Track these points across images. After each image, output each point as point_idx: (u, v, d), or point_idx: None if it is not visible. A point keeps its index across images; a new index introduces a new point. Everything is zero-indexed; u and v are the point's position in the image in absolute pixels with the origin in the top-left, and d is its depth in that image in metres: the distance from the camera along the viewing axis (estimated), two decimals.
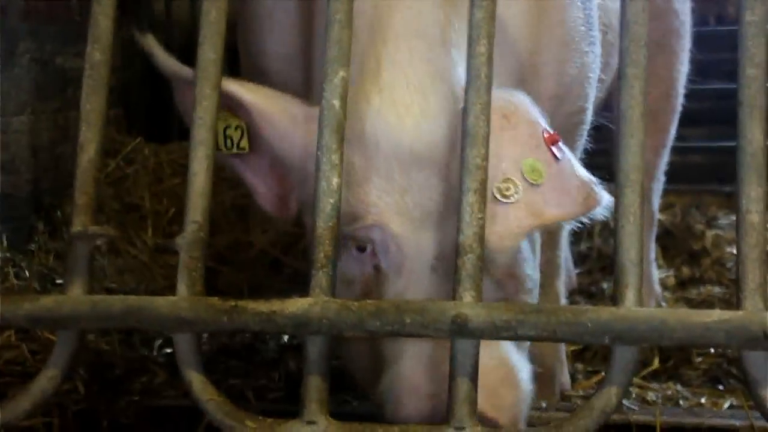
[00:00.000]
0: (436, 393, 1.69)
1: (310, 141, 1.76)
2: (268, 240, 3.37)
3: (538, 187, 1.73)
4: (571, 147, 2.32)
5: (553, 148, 1.76)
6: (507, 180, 1.73)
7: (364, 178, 1.78)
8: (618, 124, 1.61)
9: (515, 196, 1.72)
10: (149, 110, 4.03)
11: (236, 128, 1.84)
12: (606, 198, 1.74)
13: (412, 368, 1.74)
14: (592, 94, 2.24)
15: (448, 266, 1.72)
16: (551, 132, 1.78)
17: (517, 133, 1.76)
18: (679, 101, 3.25)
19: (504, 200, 1.72)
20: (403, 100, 1.79)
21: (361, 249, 1.79)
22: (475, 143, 1.60)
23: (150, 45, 1.88)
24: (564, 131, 2.02)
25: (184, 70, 1.85)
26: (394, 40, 1.83)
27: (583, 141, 2.34)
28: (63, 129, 3.39)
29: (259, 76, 2.07)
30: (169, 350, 2.56)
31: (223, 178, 3.52)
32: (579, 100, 2.22)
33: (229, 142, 1.85)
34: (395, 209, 1.76)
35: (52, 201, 3.32)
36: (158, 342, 2.65)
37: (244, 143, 1.85)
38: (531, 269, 1.85)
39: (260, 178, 1.95)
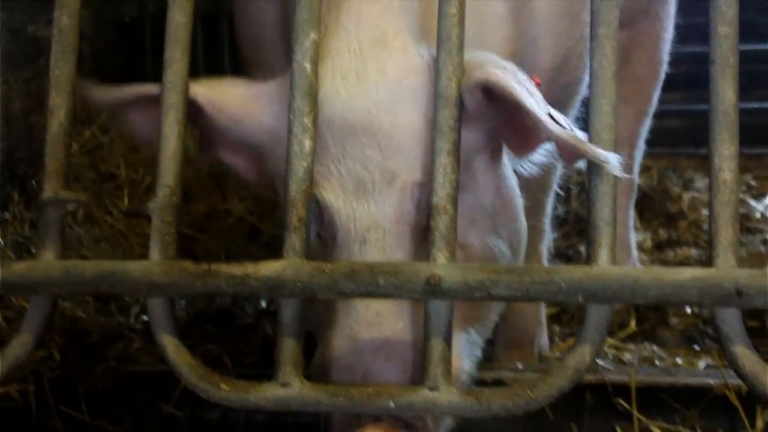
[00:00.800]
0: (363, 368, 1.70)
1: (263, 117, 1.78)
2: (246, 207, 3.37)
3: None
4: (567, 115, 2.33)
5: None
6: None
7: None
8: (590, 84, 1.60)
9: None
10: (123, 79, 3.98)
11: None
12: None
13: (339, 346, 1.74)
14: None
15: (382, 238, 1.73)
16: None
17: None
18: (663, 68, 3.25)
19: None
20: (342, 67, 1.77)
21: None
22: (447, 105, 1.60)
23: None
24: (559, 102, 2.02)
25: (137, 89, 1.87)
26: (345, 3, 1.81)
27: (576, 110, 2.35)
28: (36, 98, 3.36)
29: (256, 68, 2.08)
30: (145, 317, 2.56)
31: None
32: (576, 72, 2.22)
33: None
34: (328, 179, 1.76)
35: (26, 170, 3.29)
36: (135, 309, 2.65)
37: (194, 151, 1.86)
38: (493, 239, 1.85)
39: (237, 156, 1.95)
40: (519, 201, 1.93)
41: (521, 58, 1.99)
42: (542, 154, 1.82)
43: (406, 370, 1.69)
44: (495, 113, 1.75)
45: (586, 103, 1.63)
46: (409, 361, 1.69)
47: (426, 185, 1.72)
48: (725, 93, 1.56)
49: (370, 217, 1.74)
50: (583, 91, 2.30)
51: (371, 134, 1.75)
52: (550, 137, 1.63)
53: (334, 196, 1.75)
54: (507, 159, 1.90)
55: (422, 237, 1.73)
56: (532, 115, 1.62)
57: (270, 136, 1.82)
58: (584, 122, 1.66)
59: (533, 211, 2.46)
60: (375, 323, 1.70)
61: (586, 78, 2.25)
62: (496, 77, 1.67)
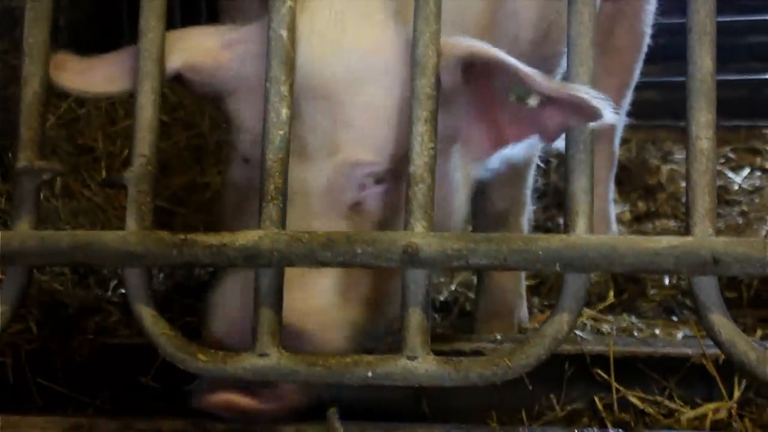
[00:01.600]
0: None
1: (234, 66, 1.78)
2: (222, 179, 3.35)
3: None
4: None
5: None
6: None
7: (257, 93, 1.73)
8: (568, 53, 1.60)
9: None
10: (99, 51, 3.96)
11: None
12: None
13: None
14: None
15: (306, 205, 1.72)
16: None
17: None
18: (645, 40, 3.24)
19: None
20: (320, 29, 1.76)
21: (245, 160, 1.79)
22: (425, 73, 1.59)
23: None
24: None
25: None
26: None
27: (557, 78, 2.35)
28: (12, 70, 3.32)
29: (230, 13, 2.06)
30: (123, 290, 2.54)
31: (177, 118, 3.49)
32: (557, 45, 2.22)
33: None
34: None
35: (3, 143, 3.27)
36: (113, 283, 2.63)
37: None
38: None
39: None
40: (461, 199, 1.93)
41: (502, 30, 1.98)
42: (518, 146, 1.82)
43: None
44: (470, 98, 1.74)
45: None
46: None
47: (371, 166, 1.74)
48: (702, 60, 1.57)
49: (300, 183, 1.73)
50: (563, 64, 2.30)
51: (329, 103, 1.74)
52: (544, 92, 1.62)
53: None
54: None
55: (354, 214, 1.75)
56: (521, 73, 1.62)
57: (242, 83, 1.80)
58: None
59: (514, 183, 2.46)
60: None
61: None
62: (480, 47, 1.66)
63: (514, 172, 2.43)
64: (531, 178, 2.55)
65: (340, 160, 1.74)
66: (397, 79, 1.75)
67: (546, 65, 2.21)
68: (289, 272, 1.63)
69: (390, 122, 1.76)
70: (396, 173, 1.77)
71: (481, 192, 2.33)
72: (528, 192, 2.57)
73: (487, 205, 2.44)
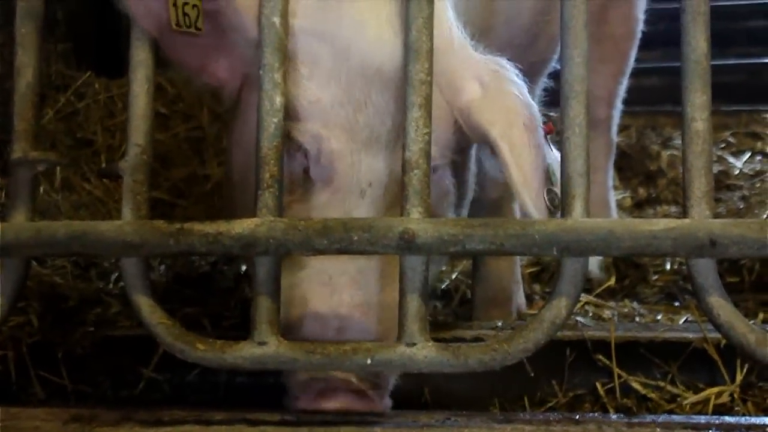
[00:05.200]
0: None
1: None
2: (224, 172, 3.34)
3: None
4: (532, 88, 2.34)
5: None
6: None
7: (321, 80, 1.72)
8: (561, 36, 1.59)
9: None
10: (98, 44, 3.98)
11: (193, 6, 1.74)
12: None
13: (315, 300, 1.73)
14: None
15: (381, 194, 1.72)
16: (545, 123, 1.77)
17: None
18: (639, 27, 3.24)
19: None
20: (385, 13, 1.73)
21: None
22: (419, 58, 1.58)
23: None
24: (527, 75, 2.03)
25: None
26: None
27: (542, 85, 2.38)
28: (10, 64, 3.31)
29: None
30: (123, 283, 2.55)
31: (176, 110, 3.49)
32: (545, 52, 2.23)
33: (187, 19, 1.75)
34: (342, 124, 1.72)
35: (2, 137, 3.27)
36: (114, 275, 2.64)
37: (200, 23, 1.72)
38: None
39: (206, 60, 1.84)
40: (472, 190, 1.97)
41: (495, 34, 2.00)
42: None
43: (380, 327, 1.69)
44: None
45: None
46: (384, 319, 1.69)
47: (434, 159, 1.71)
48: (697, 42, 1.56)
49: (375, 172, 1.73)
50: (550, 67, 2.33)
51: (399, 91, 1.69)
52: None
53: (343, 142, 1.72)
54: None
55: None
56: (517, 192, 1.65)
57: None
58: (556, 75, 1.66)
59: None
60: (356, 279, 1.70)
61: (554, 57, 2.27)
62: (497, 136, 1.67)
63: None
64: None
65: None
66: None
67: (532, 70, 2.22)
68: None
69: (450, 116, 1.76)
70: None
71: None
72: None
73: (481, 194, 2.45)
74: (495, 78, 1.72)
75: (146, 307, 1.62)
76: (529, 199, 1.63)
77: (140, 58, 1.64)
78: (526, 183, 1.64)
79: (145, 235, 1.58)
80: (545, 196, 1.65)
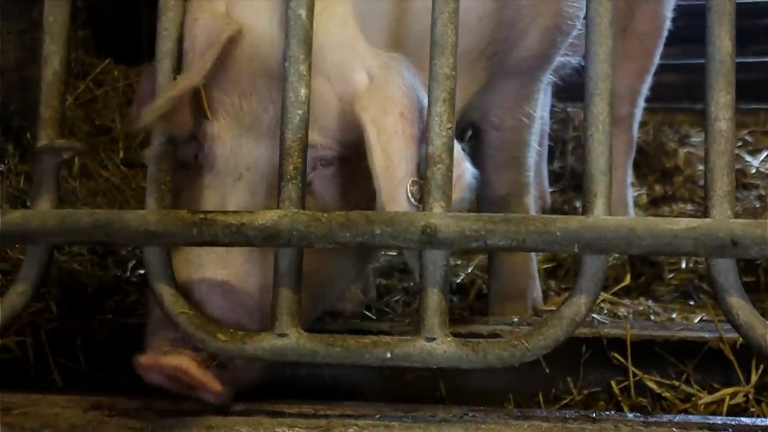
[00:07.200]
0: None
1: None
2: None
3: None
4: (529, 87, 2.37)
5: None
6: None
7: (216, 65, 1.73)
8: (587, 32, 1.59)
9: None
10: (117, 31, 3.98)
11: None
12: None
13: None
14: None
15: (257, 180, 1.74)
16: None
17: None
18: (666, 25, 3.22)
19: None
20: (278, 16, 1.74)
21: None
22: (444, 53, 1.59)
23: None
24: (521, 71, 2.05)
25: None
26: None
27: (546, 75, 2.39)
28: (30, 50, 3.34)
29: None
30: (141, 271, 2.56)
31: None
32: (541, 47, 2.24)
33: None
34: (226, 109, 1.76)
35: (21, 123, 3.28)
36: (132, 263, 2.65)
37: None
38: None
39: None
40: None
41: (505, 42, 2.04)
42: None
43: (241, 312, 1.71)
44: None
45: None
46: (248, 305, 1.71)
47: (319, 150, 1.75)
48: (722, 41, 1.56)
49: (253, 158, 1.75)
50: (553, 62, 2.33)
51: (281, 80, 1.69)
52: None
53: (225, 127, 1.75)
54: None
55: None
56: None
57: None
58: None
59: (513, 168, 2.46)
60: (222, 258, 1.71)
61: (555, 52, 2.27)
62: (366, 120, 1.67)
63: (511, 156, 2.44)
64: (531, 161, 2.53)
65: None
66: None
67: (526, 64, 2.23)
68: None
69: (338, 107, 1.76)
70: (344, 159, 1.79)
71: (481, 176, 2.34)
72: (528, 173, 2.55)
73: (488, 190, 2.45)
74: (383, 69, 1.73)
75: (168, 296, 1.63)
76: (387, 186, 1.63)
77: (167, 49, 1.64)
78: (389, 170, 1.64)
79: (168, 225, 1.58)
80: (409, 187, 1.64)
